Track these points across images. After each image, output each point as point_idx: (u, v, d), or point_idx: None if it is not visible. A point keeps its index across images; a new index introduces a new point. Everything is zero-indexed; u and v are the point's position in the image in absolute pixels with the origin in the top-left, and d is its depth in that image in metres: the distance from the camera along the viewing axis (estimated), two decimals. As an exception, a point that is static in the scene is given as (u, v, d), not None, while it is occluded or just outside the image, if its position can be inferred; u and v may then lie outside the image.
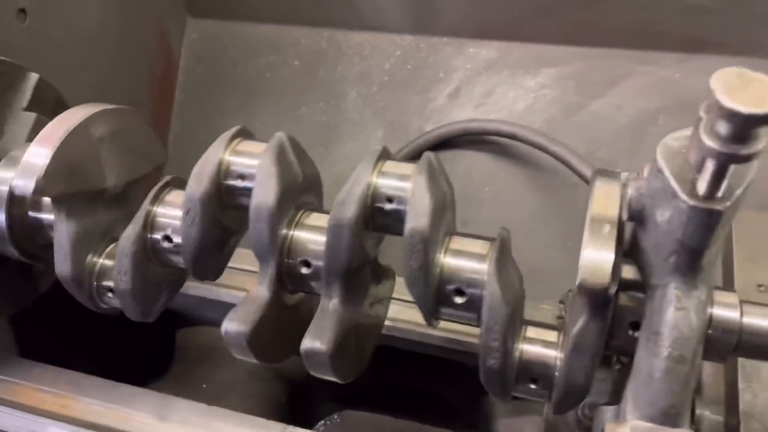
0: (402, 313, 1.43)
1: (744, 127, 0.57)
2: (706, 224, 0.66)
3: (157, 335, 1.64)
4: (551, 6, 1.86)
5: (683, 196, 0.65)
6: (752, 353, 0.82)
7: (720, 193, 0.64)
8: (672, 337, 0.72)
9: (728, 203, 0.64)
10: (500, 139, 1.91)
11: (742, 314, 0.80)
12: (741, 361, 1.08)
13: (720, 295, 0.83)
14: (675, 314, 0.72)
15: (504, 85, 1.97)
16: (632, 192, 0.74)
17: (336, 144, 2.05)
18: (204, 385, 1.46)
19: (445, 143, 1.95)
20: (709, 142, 0.59)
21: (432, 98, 2.01)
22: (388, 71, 2.04)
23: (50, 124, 1.05)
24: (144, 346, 1.63)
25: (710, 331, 0.80)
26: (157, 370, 1.64)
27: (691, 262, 0.71)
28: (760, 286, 1.15)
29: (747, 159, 0.60)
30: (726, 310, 0.81)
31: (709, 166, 0.62)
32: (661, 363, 0.72)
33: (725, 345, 0.81)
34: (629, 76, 1.88)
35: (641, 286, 0.79)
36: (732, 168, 0.62)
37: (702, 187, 0.64)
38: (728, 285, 1.20)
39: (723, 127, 0.58)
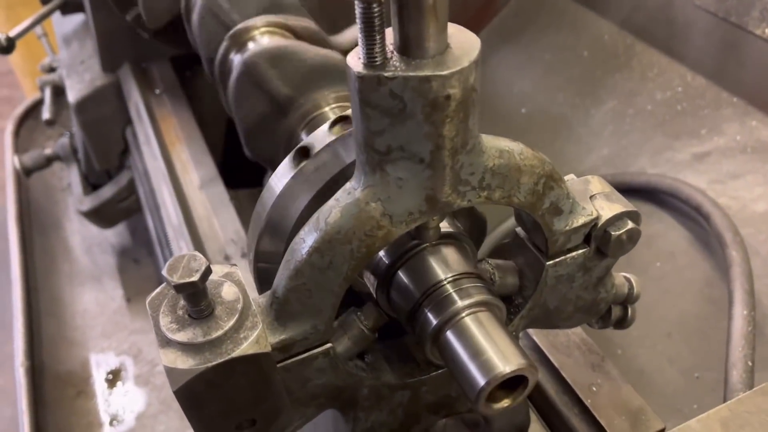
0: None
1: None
2: (359, 95, 0.55)
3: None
4: None
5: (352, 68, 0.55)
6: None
7: (365, 58, 0.53)
8: (309, 222, 0.63)
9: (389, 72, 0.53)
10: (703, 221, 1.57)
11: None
12: None
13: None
14: (327, 204, 0.62)
15: (758, 176, 1.59)
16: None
17: (562, 140, 1.94)
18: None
19: (650, 193, 1.69)
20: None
21: (676, 148, 1.74)
22: (657, 102, 1.82)
23: None
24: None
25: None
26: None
27: (362, 155, 0.60)
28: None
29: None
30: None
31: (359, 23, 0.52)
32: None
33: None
34: None
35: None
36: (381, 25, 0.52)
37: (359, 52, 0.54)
38: None
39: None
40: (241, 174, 1.78)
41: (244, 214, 1.52)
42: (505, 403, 0.64)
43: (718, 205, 1.51)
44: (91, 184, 2.16)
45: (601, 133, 1.88)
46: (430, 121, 0.56)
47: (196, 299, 0.60)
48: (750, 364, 1.21)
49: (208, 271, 0.59)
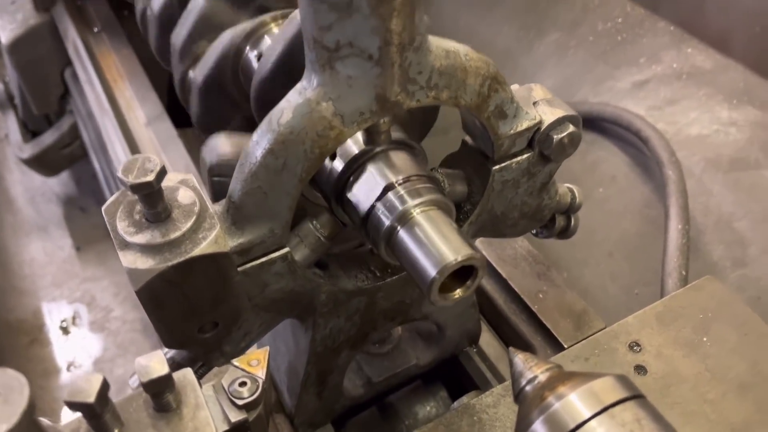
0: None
1: None
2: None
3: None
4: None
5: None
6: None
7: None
8: (261, 125, 0.64)
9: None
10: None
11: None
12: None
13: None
14: (279, 105, 0.63)
15: (693, 101, 1.66)
16: None
17: (507, 73, 1.96)
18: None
19: (593, 122, 1.74)
20: None
21: (617, 77, 1.79)
22: (598, 33, 1.86)
23: None
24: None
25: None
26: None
27: (312, 53, 0.61)
28: (634, 344, 0.87)
29: None
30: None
31: None
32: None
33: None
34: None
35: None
36: None
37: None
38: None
39: None
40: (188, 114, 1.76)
41: (193, 152, 1.51)
42: (457, 293, 0.67)
43: (656, 129, 1.57)
44: (31, 131, 2.09)
45: (545, 65, 1.91)
46: (378, 14, 0.57)
47: (153, 201, 0.61)
48: (684, 273, 1.29)
49: (163, 171, 0.59)
